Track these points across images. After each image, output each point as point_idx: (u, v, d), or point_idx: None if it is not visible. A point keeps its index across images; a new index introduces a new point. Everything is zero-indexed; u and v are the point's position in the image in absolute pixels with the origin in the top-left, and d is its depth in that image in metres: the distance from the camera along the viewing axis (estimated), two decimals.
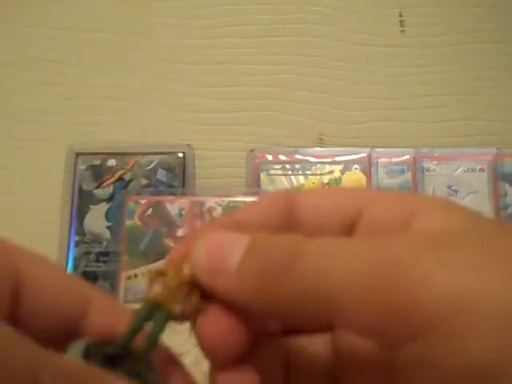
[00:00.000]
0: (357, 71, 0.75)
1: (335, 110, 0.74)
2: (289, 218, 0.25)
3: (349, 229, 0.25)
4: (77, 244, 0.68)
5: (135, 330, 0.24)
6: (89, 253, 0.68)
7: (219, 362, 0.23)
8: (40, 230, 0.70)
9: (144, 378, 0.23)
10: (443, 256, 0.20)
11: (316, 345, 0.26)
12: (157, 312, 0.24)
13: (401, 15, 0.76)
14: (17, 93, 0.76)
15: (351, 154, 0.70)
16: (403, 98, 0.74)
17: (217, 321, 0.23)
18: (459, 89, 0.74)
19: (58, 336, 0.25)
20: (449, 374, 0.19)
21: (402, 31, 0.76)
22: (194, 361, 0.57)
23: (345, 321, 0.21)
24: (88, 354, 0.23)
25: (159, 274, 0.24)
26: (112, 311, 0.26)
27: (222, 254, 0.23)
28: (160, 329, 0.24)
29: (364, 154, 0.69)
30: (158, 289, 0.24)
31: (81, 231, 0.68)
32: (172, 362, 0.25)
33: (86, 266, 0.67)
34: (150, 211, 0.67)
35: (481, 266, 0.20)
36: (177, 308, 0.23)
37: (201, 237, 0.24)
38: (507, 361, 0.19)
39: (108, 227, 0.68)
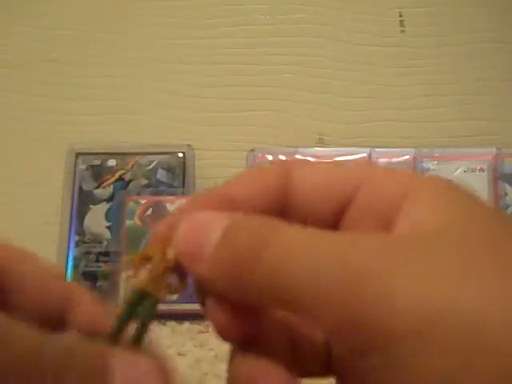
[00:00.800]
0: (357, 71, 0.75)
1: (335, 110, 0.74)
2: (282, 193, 0.25)
3: (342, 208, 0.24)
4: (77, 244, 0.68)
5: (125, 319, 0.23)
6: (89, 253, 0.68)
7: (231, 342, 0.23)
8: (40, 230, 0.70)
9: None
10: (412, 266, 0.19)
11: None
12: (144, 300, 0.23)
13: (401, 15, 0.76)
14: (17, 93, 0.76)
15: (351, 154, 0.70)
16: (403, 98, 0.74)
17: (216, 314, 0.23)
18: (459, 89, 0.74)
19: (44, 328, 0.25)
20: None
21: (402, 31, 0.76)
22: (194, 361, 0.57)
23: (310, 319, 0.21)
24: None
25: (144, 258, 0.24)
26: (95, 307, 0.26)
27: (199, 239, 0.22)
28: (150, 315, 0.24)
29: (364, 154, 0.69)
30: (143, 275, 0.23)
31: (81, 231, 0.68)
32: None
33: (85, 266, 0.67)
34: (149, 211, 0.67)
35: (451, 277, 0.19)
36: (164, 294, 0.23)
37: (182, 218, 0.23)
38: (467, 380, 0.18)
39: (108, 227, 0.68)
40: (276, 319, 0.24)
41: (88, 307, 0.26)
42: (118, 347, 0.22)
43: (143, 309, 0.23)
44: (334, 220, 0.25)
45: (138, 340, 0.23)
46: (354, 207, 0.24)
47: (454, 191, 0.22)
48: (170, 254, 0.23)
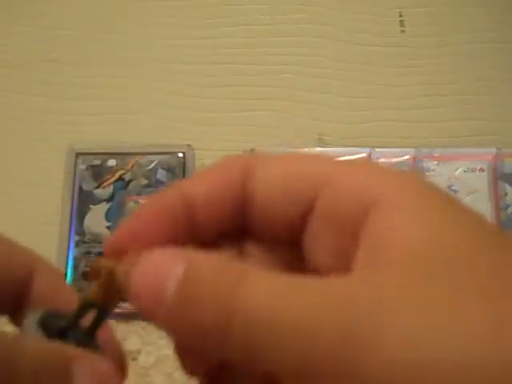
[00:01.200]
0: (357, 71, 0.75)
1: (335, 110, 0.74)
2: (241, 196, 0.24)
3: (305, 213, 0.23)
4: (77, 244, 0.68)
5: (78, 317, 0.25)
6: (89, 253, 0.68)
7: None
8: (40, 230, 0.70)
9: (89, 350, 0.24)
10: (387, 316, 0.17)
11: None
12: (93, 308, 0.25)
13: (401, 15, 0.76)
14: (17, 93, 0.76)
15: (351, 154, 0.70)
16: (403, 98, 0.74)
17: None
18: (459, 89, 0.74)
19: (7, 301, 0.26)
20: None
21: (402, 31, 0.76)
22: None
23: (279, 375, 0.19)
24: (44, 325, 0.24)
25: (95, 273, 0.24)
26: (55, 278, 0.27)
27: (156, 288, 0.20)
28: (100, 321, 0.25)
29: (364, 154, 0.69)
30: (94, 288, 0.24)
31: (81, 231, 0.68)
32: (107, 332, 0.27)
33: (86, 266, 0.67)
34: None
35: (437, 321, 0.17)
36: (113, 307, 0.24)
37: (135, 258, 0.21)
38: None
39: (108, 227, 0.68)
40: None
41: (50, 281, 0.27)
42: (79, 349, 0.23)
43: (96, 313, 0.25)
44: (298, 225, 0.23)
45: (92, 330, 0.25)
46: (316, 214, 0.23)
47: (426, 193, 0.20)
48: (120, 274, 0.23)
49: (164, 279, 0.20)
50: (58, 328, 0.24)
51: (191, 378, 0.24)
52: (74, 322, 0.25)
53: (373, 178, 0.21)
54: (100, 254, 0.68)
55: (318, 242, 0.23)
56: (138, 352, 0.58)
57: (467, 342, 0.17)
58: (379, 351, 0.17)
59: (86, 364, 0.22)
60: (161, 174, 0.70)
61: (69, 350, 0.22)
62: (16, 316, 0.28)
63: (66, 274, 0.66)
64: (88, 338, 0.25)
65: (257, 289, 0.19)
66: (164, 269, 0.20)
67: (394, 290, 0.18)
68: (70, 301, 0.26)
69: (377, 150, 0.70)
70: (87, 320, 0.25)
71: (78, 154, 0.71)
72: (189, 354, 0.23)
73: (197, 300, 0.19)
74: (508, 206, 0.66)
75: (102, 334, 0.25)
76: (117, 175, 0.70)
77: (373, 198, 0.20)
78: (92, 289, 0.24)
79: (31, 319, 0.24)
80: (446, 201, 0.20)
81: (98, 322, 0.25)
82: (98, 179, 0.70)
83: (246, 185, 0.24)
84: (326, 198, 0.22)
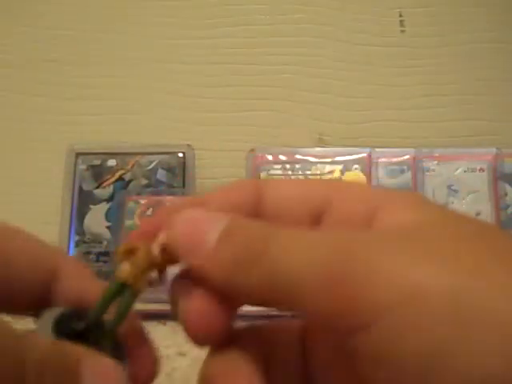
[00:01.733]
0: (357, 71, 0.75)
1: (335, 110, 0.74)
2: (256, 208, 0.26)
3: (316, 220, 0.25)
4: (77, 244, 0.68)
5: (103, 307, 0.24)
6: (89, 253, 0.68)
7: (201, 345, 0.24)
8: (40, 230, 0.70)
9: (107, 352, 0.23)
10: (392, 247, 0.21)
11: (291, 338, 0.26)
12: (125, 290, 0.24)
13: (401, 15, 0.76)
14: (17, 93, 0.76)
15: (351, 154, 0.70)
16: (403, 98, 0.74)
17: (200, 303, 0.23)
18: (459, 89, 0.74)
19: (33, 301, 0.26)
20: (400, 367, 0.19)
21: (402, 31, 0.76)
22: (194, 361, 0.57)
23: (303, 310, 0.22)
24: (58, 327, 0.24)
25: (128, 252, 0.24)
26: (82, 275, 0.27)
27: (199, 233, 0.23)
28: (128, 306, 0.24)
29: (364, 154, 0.69)
30: (126, 267, 0.24)
31: (81, 231, 0.68)
32: (140, 336, 0.27)
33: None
34: (149, 211, 0.67)
35: (430, 257, 0.20)
36: (143, 287, 0.24)
37: (179, 212, 0.24)
38: (446, 354, 0.19)
39: (108, 227, 0.68)
40: (252, 331, 0.26)
41: (74, 279, 0.27)
42: (89, 349, 0.22)
43: (123, 299, 0.24)
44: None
45: (114, 327, 0.24)
46: (326, 222, 0.25)
47: (425, 202, 0.24)
48: (156, 250, 0.24)
49: (208, 227, 0.23)
50: (75, 328, 0.24)
51: (202, 347, 0.24)
52: (95, 318, 0.24)
53: (378, 191, 0.25)
54: (100, 253, 0.68)
55: None
56: None
57: (463, 272, 0.20)
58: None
59: (93, 365, 0.22)
60: (161, 174, 0.70)
61: (77, 349, 0.22)
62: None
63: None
64: (108, 338, 0.24)
65: (285, 234, 0.22)
66: (207, 220, 0.23)
67: (391, 237, 0.22)
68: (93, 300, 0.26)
69: (377, 149, 0.70)
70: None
71: (78, 154, 0.71)
72: (203, 308, 0.24)
73: (237, 244, 0.22)
74: (508, 206, 0.66)
75: (132, 335, 0.25)
76: (117, 175, 0.70)
77: (378, 205, 0.24)
78: (123, 268, 0.24)
79: (45, 318, 0.24)
80: (439, 207, 0.24)
81: (127, 307, 0.24)
82: (98, 179, 0.70)
83: (258, 197, 0.26)
84: (338, 207, 0.25)
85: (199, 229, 0.23)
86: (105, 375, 0.22)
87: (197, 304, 0.23)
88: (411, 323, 0.19)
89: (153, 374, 0.27)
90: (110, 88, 0.76)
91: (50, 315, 0.24)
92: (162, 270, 0.25)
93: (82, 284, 0.27)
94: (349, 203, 0.25)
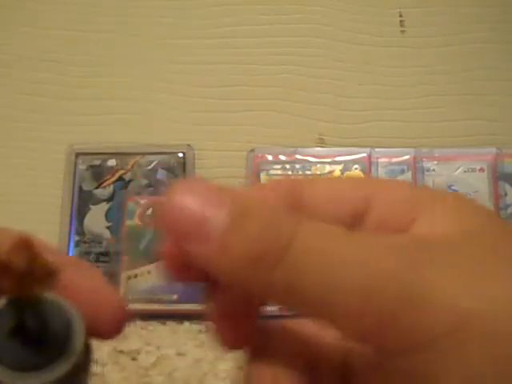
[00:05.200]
0: (357, 71, 0.75)
1: (335, 110, 0.74)
2: (294, 206, 0.23)
3: (357, 221, 0.23)
4: (77, 244, 0.68)
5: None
6: (89, 253, 0.68)
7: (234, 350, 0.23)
8: (40, 230, 0.70)
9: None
10: (443, 266, 0.19)
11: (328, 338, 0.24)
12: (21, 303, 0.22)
13: (401, 15, 0.76)
14: (17, 93, 0.76)
15: (351, 154, 0.70)
16: (403, 98, 0.74)
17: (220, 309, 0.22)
18: (459, 89, 0.74)
19: None
20: None
21: (402, 31, 0.76)
22: (194, 361, 0.57)
23: (337, 325, 0.20)
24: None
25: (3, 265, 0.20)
26: (92, 277, 0.24)
27: (202, 214, 0.18)
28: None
29: (364, 154, 0.69)
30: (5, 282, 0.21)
31: (81, 231, 0.68)
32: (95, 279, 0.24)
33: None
34: (149, 211, 0.67)
35: (482, 278, 0.19)
36: (37, 291, 0.21)
37: (179, 185, 0.20)
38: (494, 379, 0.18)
39: (108, 227, 0.68)
40: (291, 332, 0.23)
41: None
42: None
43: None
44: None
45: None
46: (367, 223, 0.24)
47: (468, 204, 0.23)
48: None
49: (212, 208, 0.18)
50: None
51: (226, 350, 0.22)
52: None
53: (416, 191, 0.24)
54: (100, 253, 0.68)
55: None
56: (138, 352, 0.58)
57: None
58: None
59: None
60: (161, 174, 0.70)
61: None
62: None
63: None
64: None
65: (311, 228, 0.20)
66: (213, 198, 0.19)
67: (437, 249, 0.20)
68: (110, 301, 0.23)
69: (377, 149, 0.70)
70: None
71: (78, 154, 0.71)
72: (229, 315, 0.22)
73: (250, 234, 0.18)
74: (508, 206, 0.66)
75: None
76: (117, 175, 0.70)
77: (418, 206, 0.22)
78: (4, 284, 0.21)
79: None
80: (474, 211, 0.23)
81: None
82: (98, 179, 0.70)
83: (297, 197, 0.24)
84: (378, 207, 0.23)
85: (203, 207, 0.18)
86: None
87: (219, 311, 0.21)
88: (459, 351, 0.18)
89: (116, 322, 0.22)
90: (110, 88, 0.76)
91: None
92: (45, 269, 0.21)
93: (93, 287, 0.25)
94: (388, 205, 0.23)
